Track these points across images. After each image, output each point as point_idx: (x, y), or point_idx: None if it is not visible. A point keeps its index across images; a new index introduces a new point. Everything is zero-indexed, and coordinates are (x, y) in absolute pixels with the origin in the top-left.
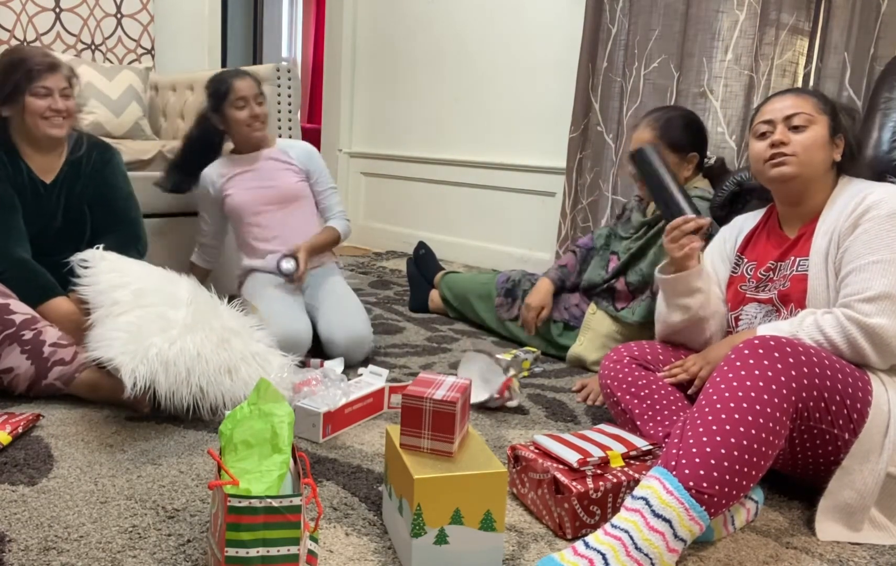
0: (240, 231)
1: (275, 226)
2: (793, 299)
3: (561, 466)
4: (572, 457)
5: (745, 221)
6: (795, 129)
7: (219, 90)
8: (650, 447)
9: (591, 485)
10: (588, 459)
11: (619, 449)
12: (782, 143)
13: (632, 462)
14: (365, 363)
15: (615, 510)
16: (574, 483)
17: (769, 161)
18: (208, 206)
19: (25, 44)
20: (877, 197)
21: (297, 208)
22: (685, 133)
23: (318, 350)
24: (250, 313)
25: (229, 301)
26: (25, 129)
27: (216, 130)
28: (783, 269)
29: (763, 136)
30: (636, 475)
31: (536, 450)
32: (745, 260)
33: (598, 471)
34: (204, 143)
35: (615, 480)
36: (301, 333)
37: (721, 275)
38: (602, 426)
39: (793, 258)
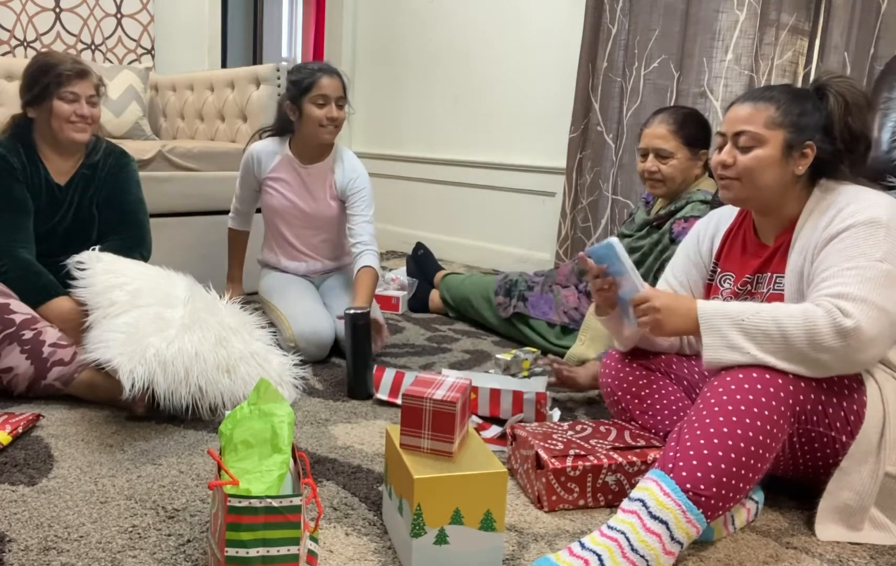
0: (269, 225)
1: (304, 239)
2: None
3: (546, 446)
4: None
5: (721, 219)
6: (742, 148)
7: (301, 82)
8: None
9: (569, 464)
10: (570, 450)
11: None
12: (726, 164)
13: (622, 450)
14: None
15: (594, 490)
16: (553, 459)
17: (718, 178)
18: (246, 180)
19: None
20: (851, 210)
21: (324, 230)
22: (700, 130)
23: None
24: (266, 311)
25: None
26: (49, 131)
27: (288, 120)
28: (761, 286)
29: (720, 147)
30: (620, 459)
31: (530, 432)
32: (720, 270)
33: (581, 453)
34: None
35: (596, 462)
36: (327, 333)
37: (692, 278)
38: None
39: (770, 274)
